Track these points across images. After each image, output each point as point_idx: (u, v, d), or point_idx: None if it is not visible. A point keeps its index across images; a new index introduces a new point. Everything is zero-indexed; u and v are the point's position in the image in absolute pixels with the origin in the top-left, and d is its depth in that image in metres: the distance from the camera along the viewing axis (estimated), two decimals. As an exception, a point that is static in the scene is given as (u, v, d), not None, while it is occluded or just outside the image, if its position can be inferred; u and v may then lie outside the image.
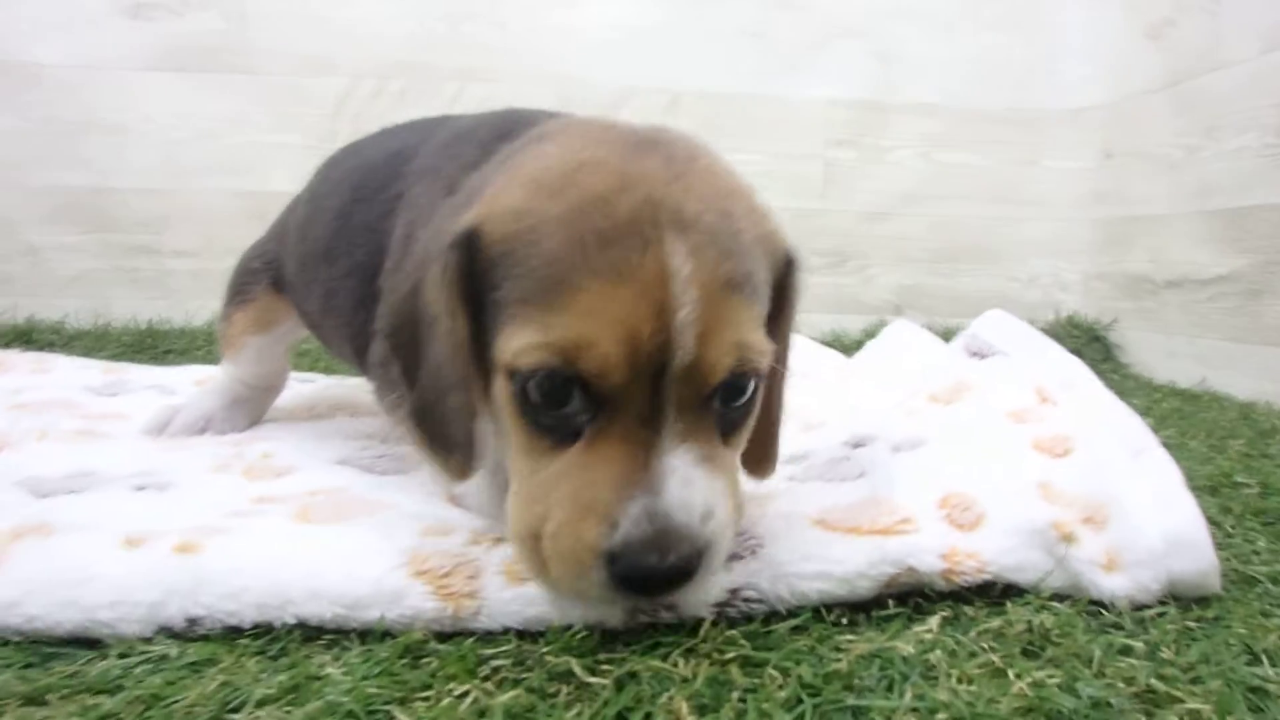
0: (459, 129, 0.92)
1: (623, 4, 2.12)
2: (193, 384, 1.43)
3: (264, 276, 1.15)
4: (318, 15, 2.08)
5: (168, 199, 2.12)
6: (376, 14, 2.09)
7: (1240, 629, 0.67)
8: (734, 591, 0.68)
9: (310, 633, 0.64)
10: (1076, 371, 0.94)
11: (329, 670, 0.58)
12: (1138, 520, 0.72)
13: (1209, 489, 1.03)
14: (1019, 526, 0.73)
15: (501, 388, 0.63)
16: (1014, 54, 2.20)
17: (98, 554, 0.66)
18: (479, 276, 0.63)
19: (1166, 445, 1.23)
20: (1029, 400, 0.89)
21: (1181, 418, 1.49)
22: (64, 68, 2.06)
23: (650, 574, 0.58)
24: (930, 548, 0.71)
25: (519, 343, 0.60)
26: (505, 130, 0.80)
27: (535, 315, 0.60)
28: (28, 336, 1.98)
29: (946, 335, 2.11)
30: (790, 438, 0.94)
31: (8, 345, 1.86)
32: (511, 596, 0.65)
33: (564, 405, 0.61)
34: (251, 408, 1.24)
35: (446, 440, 0.66)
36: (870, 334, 2.14)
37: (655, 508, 0.58)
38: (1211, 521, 0.90)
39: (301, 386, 1.52)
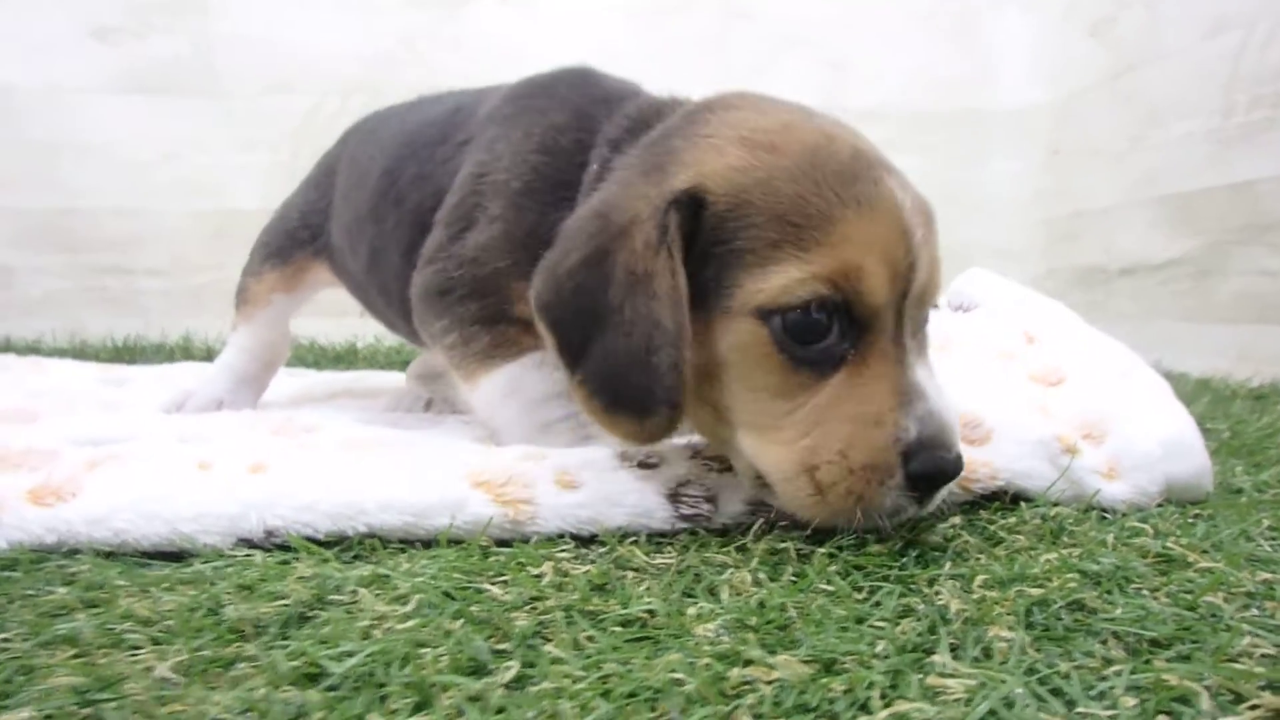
0: (530, 84, 0.96)
1: (578, 21, 2.19)
2: (196, 375, 1.45)
3: (306, 240, 1.18)
4: (279, 38, 2.12)
5: (136, 219, 2.13)
6: (335, 36, 2.14)
7: (1235, 522, 0.73)
8: (763, 500, 0.72)
9: (380, 544, 0.67)
10: (1057, 312, 1.01)
11: (407, 565, 0.62)
12: (1134, 430, 0.79)
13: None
14: (1025, 439, 0.79)
15: (745, 333, 0.66)
16: (959, 58, 2.30)
17: (175, 475, 0.69)
18: (699, 234, 0.67)
19: None
20: (1016, 342, 0.96)
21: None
22: (32, 90, 2.08)
23: (943, 467, 0.63)
24: (946, 457, 0.76)
25: (782, 280, 0.64)
26: (595, 95, 0.88)
27: (792, 253, 0.64)
28: (6, 352, 1.96)
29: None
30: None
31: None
32: (565, 502, 0.70)
33: (825, 337, 0.65)
34: (256, 386, 1.28)
35: (647, 400, 0.66)
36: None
37: (932, 409, 0.64)
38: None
39: (292, 380, 1.54)
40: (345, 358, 1.95)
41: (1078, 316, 1.01)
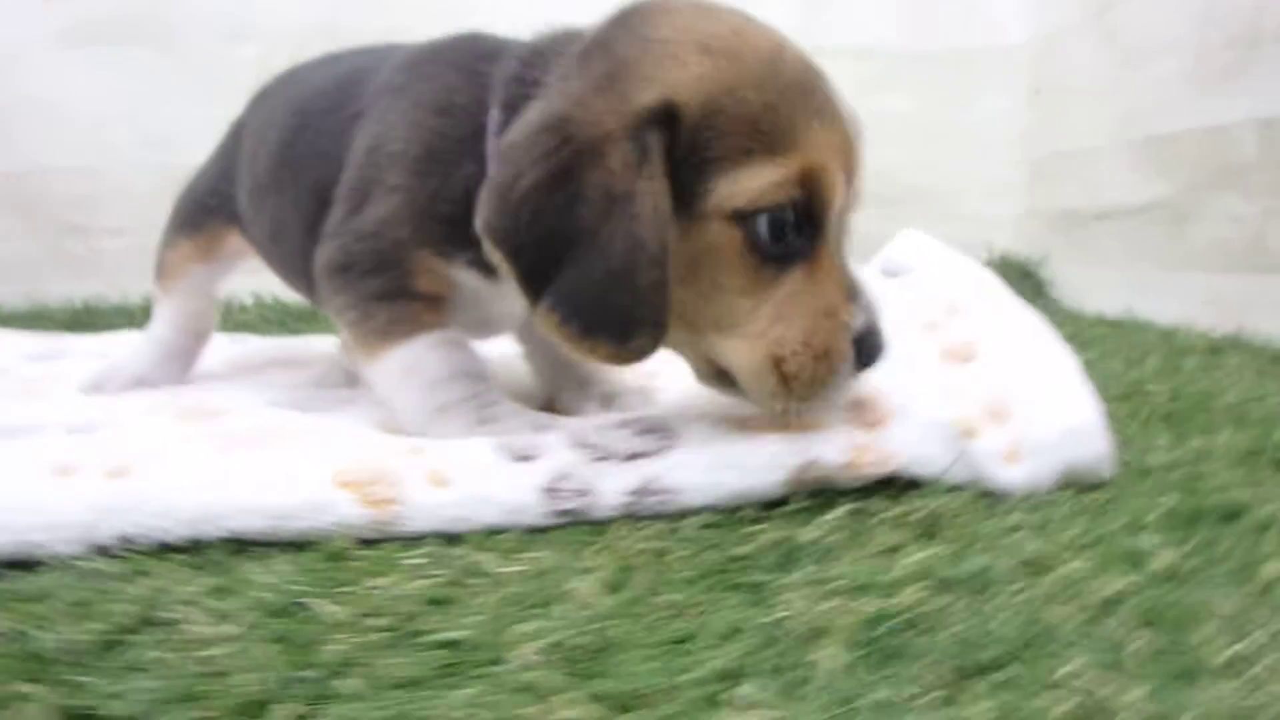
0: (418, 52, 0.93)
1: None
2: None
3: (216, 208, 1.16)
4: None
5: (96, 177, 2.11)
6: (291, -24, 2.07)
7: (1128, 510, 0.71)
8: (643, 487, 0.71)
9: (240, 547, 0.66)
10: (984, 281, 0.97)
11: (255, 575, 0.61)
12: (1036, 413, 0.77)
13: (1122, 397, 1.08)
14: (921, 422, 0.77)
15: (718, 234, 0.69)
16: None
17: (29, 481, 0.68)
18: (673, 148, 0.69)
19: (1086, 365, 1.30)
20: (938, 312, 0.93)
21: (1103, 342, 1.54)
22: None
23: (880, 348, 0.74)
24: (835, 443, 0.74)
25: (759, 183, 0.67)
26: (483, 52, 0.85)
27: (765, 158, 0.67)
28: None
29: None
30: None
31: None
32: (434, 500, 0.69)
33: (786, 236, 0.70)
34: (184, 358, 1.26)
35: (629, 322, 0.68)
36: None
37: (869, 300, 0.74)
38: (1119, 424, 0.96)
39: (233, 347, 1.53)
40: (308, 316, 1.93)
41: (1003, 286, 0.97)
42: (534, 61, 0.79)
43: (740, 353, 0.72)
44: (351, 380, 1.15)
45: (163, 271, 1.21)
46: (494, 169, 0.75)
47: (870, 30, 2.22)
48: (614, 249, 0.67)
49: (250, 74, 2.10)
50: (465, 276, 0.85)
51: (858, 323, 0.72)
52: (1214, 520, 0.68)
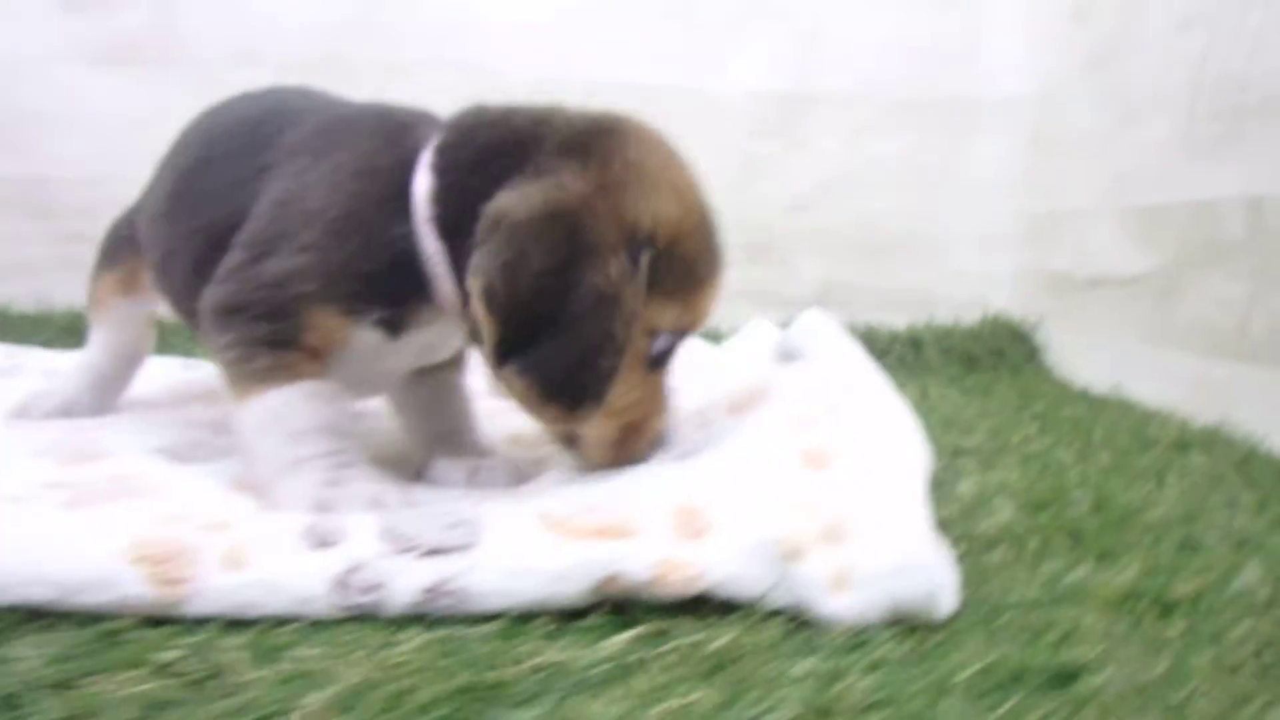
0: (340, 118, 0.95)
1: (538, -10, 2.10)
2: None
3: (130, 240, 1.16)
4: (243, 9, 2.08)
5: (103, 188, 2.12)
6: (301, 7, 2.09)
7: (945, 664, 0.63)
8: (437, 586, 0.67)
9: (28, 616, 0.64)
10: (869, 377, 0.91)
11: (19, 652, 0.59)
12: (871, 538, 0.70)
13: (1038, 505, 1.00)
14: (745, 539, 0.70)
15: (637, 341, 0.83)
16: (942, 37, 2.15)
17: None
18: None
19: (1037, 454, 1.22)
20: (815, 409, 0.86)
21: (1069, 426, 1.45)
22: (1, 61, 2.08)
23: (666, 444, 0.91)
24: (643, 555, 0.69)
25: (671, 317, 0.84)
26: (400, 122, 0.91)
27: (682, 298, 0.84)
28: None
29: (870, 331, 2.09)
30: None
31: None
32: (226, 584, 0.66)
33: (665, 353, 0.87)
34: (116, 383, 1.25)
35: (582, 396, 0.79)
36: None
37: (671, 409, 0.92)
38: (1014, 543, 0.89)
39: (184, 373, 1.52)
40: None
41: (888, 384, 0.91)
42: (464, 134, 0.86)
43: (598, 425, 0.85)
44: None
45: (90, 300, 1.22)
46: (430, 230, 0.84)
47: (865, 74, 2.15)
48: (590, 337, 0.78)
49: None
50: (367, 335, 0.87)
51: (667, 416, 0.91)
52: (1037, 685, 0.60)
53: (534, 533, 0.71)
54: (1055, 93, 1.99)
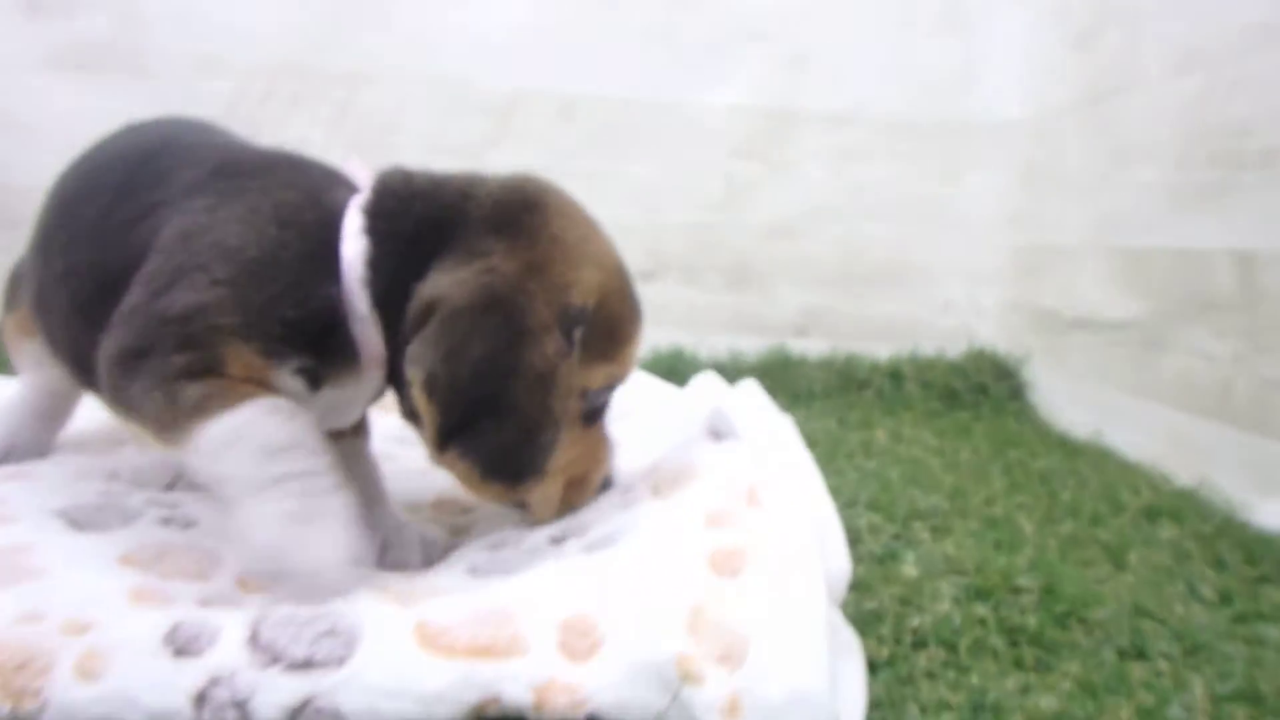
0: (249, 162, 0.91)
1: (516, 4, 2.03)
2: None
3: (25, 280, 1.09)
4: (208, 16, 2.03)
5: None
6: (267, 16, 2.03)
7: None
8: (304, 704, 0.63)
9: None
10: (798, 468, 0.86)
11: None
12: (767, 665, 0.65)
13: (981, 593, 0.95)
14: (636, 659, 0.65)
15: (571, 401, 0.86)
16: (935, 60, 2.07)
17: None
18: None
19: (992, 520, 1.17)
20: (735, 501, 0.81)
21: (1040, 482, 1.39)
22: None
23: (610, 488, 0.94)
24: (525, 676, 0.64)
25: (601, 375, 0.87)
26: (320, 177, 0.90)
27: (607, 356, 0.87)
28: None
29: (850, 361, 2.03)
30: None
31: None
32: (79, 696, 0.62)
33: (599, 408, 0.91)
34: (51, 420, 1.19)
35: (524, 471, 0.83)
36: (773, 355, 2.06)
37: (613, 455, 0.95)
38: (947, 642, 0.84)
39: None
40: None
41: (814, 471, 0.86)
42: (398, 203, 0.85)
43: (542, 488, 0.88)
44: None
45: (5, 341, 1.16)
46: (364, 294, 0.82)
47: (852, 94, 2.08)
48: (530, 415, 0.81)
49: (221, 107, 2.09)
50: (288, 382, 0.83)
51: (611, 469, 0.94)
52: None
53: (410, 649, 0.67)
54: (1051, 123, 1.92)
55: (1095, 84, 1.74)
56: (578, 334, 0.84)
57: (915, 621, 0.87)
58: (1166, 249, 1.49)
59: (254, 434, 0.77)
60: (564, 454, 0.86)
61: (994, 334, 2.09)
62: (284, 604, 0.73)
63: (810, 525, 0.78)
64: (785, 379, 1.95)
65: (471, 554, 0.89)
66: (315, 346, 0.83)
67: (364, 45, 2.04)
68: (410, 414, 0.86)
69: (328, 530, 0.76)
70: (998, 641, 0.85)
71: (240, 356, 0.80)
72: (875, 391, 1.94)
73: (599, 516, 0.87)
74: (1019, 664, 0.81)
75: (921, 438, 1.63)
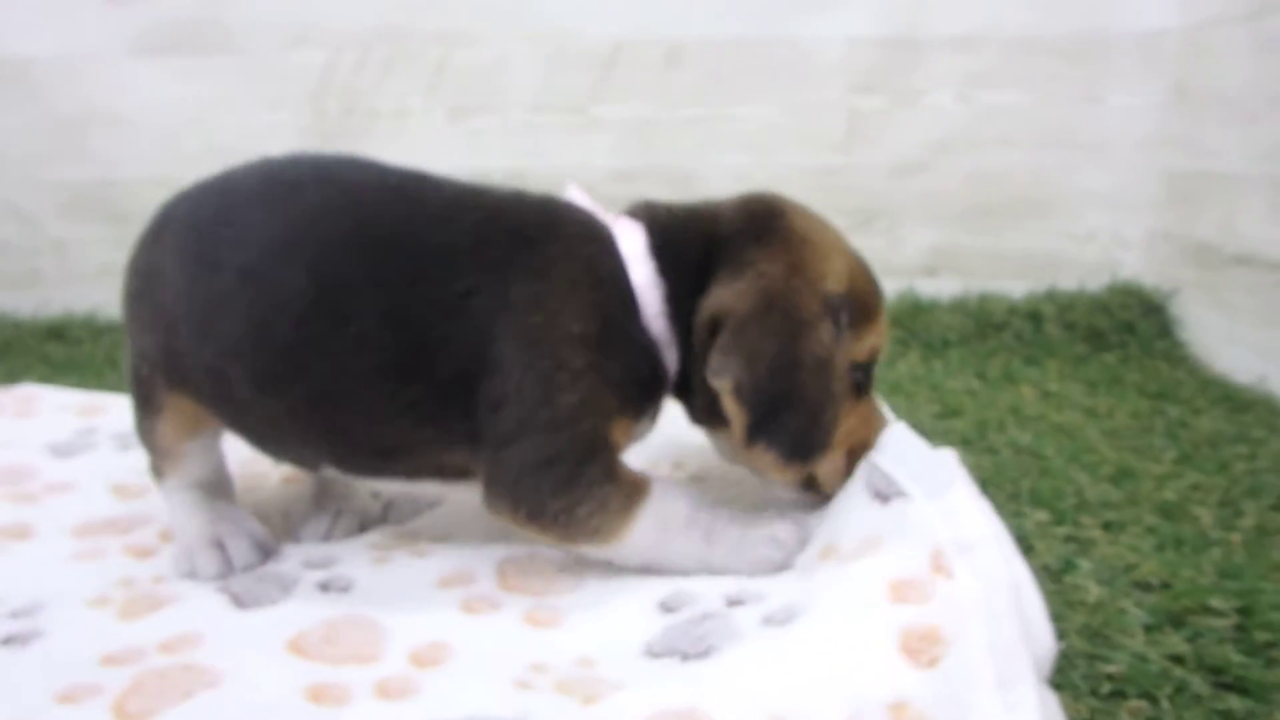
0: (518, 223, 0.91)
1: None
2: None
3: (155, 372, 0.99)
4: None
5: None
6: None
7: None
8: None
9: None
10: (979, 526, 0.81)
11: None
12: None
13: (1174, 618, 0.90)
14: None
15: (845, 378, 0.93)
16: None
17: None
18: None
19: (1167, 508, 1.12)
20: (920, 568, 0.77)
21: (1210, 448, 1.32)
22: (50, 60, 2.04)
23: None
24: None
25: (867, 347, 0.93)
26: (592, 225, 0.94)
27: (866, 332, 0.93)
28: (60, 333, 2.07)
29: (984, 302, 1.94)
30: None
31: (42, 342, 1.96)
32: None
33: (866, 378, 0.95)
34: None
35: (816, 450, 0.90)
36: (902, 300, 1.99)
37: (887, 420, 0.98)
38: (1146, 695, 0.80)
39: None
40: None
41: (995, 521, 0.81)
42: (675, 233, 0.93)
43: (828, 462, 0.93)
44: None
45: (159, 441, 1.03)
46: (665, 326, 0.91)
47: (981, 14, 1.92)
48: (816, 399, 0.88)
49: (314, 79, 2.06)
50: (644, 428, 0.97)
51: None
52: None
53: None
54: (1207, 32, 1.74)
55: (1257, -7, 1.57)
56: (844, 318, 0.91)
57: (1110, 667, 0.84)
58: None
59: (672, 516, 0.89)
60: (844, 425, 0.93)
61: (1140, 267, 1.96)
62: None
63: (1009, 599, 0.75)
64: (916, 326, 1.88)
65: (649, 617, 0.86)
66: (652, 389, 0.93)
67: (457, 3, 1.97)
68: (701, 419, 0.96)
69: (757, 529, 0.90)
70: (1200, 686, 0.81)
71: (621, 428, 0.90)
72: (1014, 335, 1.85)
73: (776, 584, 0.85)
74: (1228, 719, 0.78)
75: (1071, 394, 1.56)
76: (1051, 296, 1.92)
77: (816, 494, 0.96)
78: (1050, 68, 1.93)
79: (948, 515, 0.82)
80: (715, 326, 0.88)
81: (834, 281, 0.91)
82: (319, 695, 0.75)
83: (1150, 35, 1.90)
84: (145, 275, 0.98)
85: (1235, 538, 1.07)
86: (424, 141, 1.98)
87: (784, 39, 1.94)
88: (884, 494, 0.87)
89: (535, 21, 1.96)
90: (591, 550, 0.90)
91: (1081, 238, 2.00)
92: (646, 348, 0.91)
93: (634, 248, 0.92)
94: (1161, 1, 1.87)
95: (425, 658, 0.79)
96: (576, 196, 0.97)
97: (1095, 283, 1.94)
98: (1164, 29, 1.88)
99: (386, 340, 0.87)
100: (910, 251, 2.03)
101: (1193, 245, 1.80)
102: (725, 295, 0.89)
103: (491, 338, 0.87)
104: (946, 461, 0.89)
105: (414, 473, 0.95)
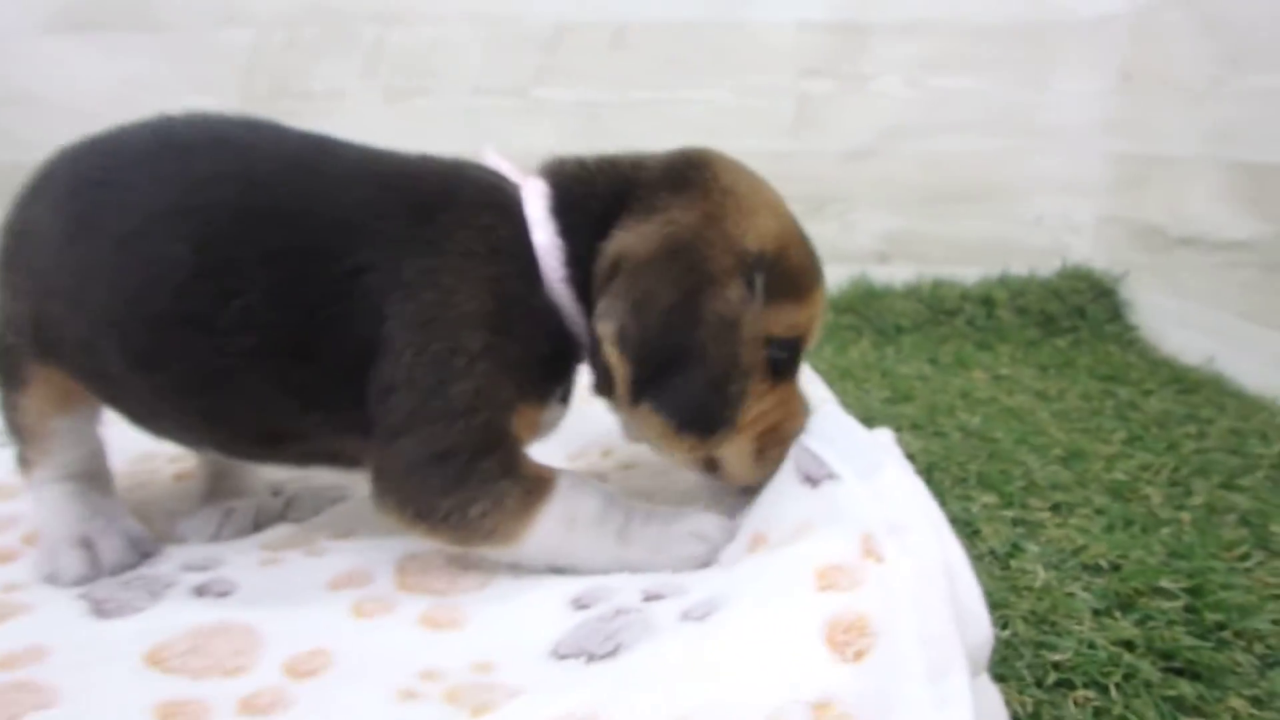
0: (414, 190, 0.83)
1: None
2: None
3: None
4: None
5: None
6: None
7: None
8: None
9: None
10: (914, 508, 0.77)
11: None
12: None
13: (1125, 599, 0.88)
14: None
15: (755, 353, 0.83)
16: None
17: None
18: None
19: (1117, 488, 1.09)
20: (850, 552, 0.73)
21: (1160, 428, 1.30)
22: None
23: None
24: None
25: (786, 322, 0.83)
26: (497, 188, 0.85)
27: (788, 303, 0.83)
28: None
29: (937, 287, 1.92)
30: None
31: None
32: None
33: (786, 359, 0.86)
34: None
35: (715, 423, 0.81)
36: (855, 286, 1.96)
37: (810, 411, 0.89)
38: (1095, 683, 0.78)
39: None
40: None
41: (932, 505, 0.77)
42: (582, 190, 0.85)
43: (734, 444, 0.84)
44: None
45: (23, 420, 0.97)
46: (567, 291, 0.82)
47: (929, 0, 1.90)
48: (718, 365, 0.79)
49: (242, 59, 1.99)
50: (554, 413, 0.89)
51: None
52: None
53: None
54: (1152, 16, 1.73)
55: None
56: (759, 280, 0.82)
57: (1057, 655, 0.81)
58: (1295, 164, 1.35)
59: (579, 511, 0.81)
60: (754, 406, 0.84)
61: (1090, 251, 1.95)
62: None
63: (943, 584, 0.71)
64: (869, 312, 1.86)
65: (560, 614, 0.78)
66: (562, 364, 0.85)
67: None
68: (601, 386, 0.84)
69: (677, 524, 0.84)
70: (1150, 672, 0.79)
71: (525, 418, 0.82)
72: (966, 320, 1.83)
73: (699, 578, 0.81)
74: (1179, 706, 0.75)
75: (1022, 377, 1.54)
76: (1004, 282, 1.91)
77: (720, 479, 0.89)
78: (999, 53, 1.92)
79: (879, 496, 0.78)
80: (615, 273, 0.80)
81: (755, 240, 0.83)
82: (172, 713, 0.65)
83: (1097, 21, 1.89)
84: (19, 235, 0.90)
85: (1185, 517, 1.05)
86: (360, 124, 1.90)
87: (732, 22, 1.91)
88: (814, 477, 0.83)
89: (475, 2, 1.91)
90: (490, 553, 0.82)
91: (1032, 222, 1.99)
92: (552, 320, 0.83)
93: (536, 209, 0.84)
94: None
95: (302, 668, 0.71)
96: (492, 160, 0.90)
97: (1047, 267, 1.93)
98: (1111, 14, 1.87)
99: (272, 318, 0.80)
100: (862, 238, 2.01)
101: (1142, 228, 1.80)
102: (627, 238, 0.81)
103: (383, 318, 0.80)
104: (880, 441, 0.86)
105: (304, 459, 0.89)
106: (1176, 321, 1.68)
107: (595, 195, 0.84)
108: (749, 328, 0.81)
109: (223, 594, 0.81)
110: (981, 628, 0.72)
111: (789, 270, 0.85)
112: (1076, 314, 1.80)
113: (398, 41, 1.91)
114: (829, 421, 0.89)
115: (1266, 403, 1.38)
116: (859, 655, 0.65)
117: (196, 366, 0.82)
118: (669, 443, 0.82)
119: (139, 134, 0.89)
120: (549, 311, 0.82)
